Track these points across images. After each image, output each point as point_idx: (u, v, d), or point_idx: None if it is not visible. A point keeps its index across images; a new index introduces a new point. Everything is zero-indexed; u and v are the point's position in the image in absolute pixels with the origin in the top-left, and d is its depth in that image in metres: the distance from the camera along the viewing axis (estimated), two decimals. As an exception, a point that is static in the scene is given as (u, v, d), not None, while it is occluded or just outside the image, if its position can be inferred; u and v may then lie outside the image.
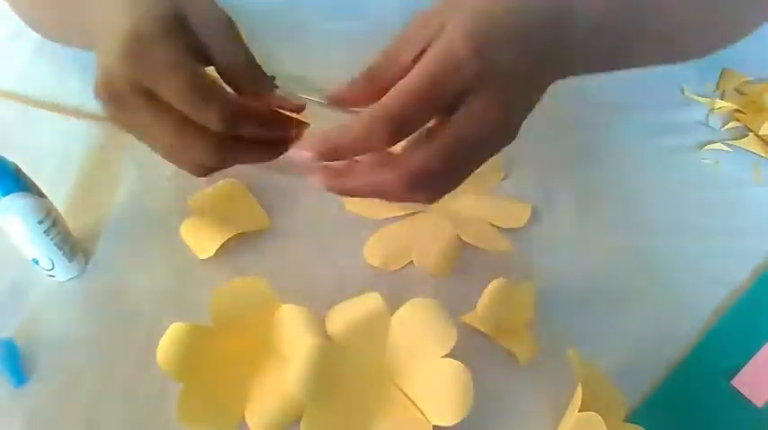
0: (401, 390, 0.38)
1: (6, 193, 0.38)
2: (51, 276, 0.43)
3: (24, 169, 0.39)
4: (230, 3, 0.59)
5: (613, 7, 0.40)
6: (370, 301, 0.39)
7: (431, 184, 0.35)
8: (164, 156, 0.37)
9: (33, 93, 0.54)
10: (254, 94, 0.37)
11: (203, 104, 0.33)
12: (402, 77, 0.34)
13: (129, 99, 0.34)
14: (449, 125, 0.33)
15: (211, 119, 0.33)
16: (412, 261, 0.45)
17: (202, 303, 0.39)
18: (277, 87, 0.38)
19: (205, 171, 0.37)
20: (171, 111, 0.34)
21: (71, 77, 0.54)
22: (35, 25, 0.54)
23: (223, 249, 0.45)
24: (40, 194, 0.40)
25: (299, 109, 0.37)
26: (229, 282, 0.39)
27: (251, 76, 0.37)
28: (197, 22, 0.36)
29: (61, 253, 0.42)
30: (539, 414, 0.39)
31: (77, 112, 0.52)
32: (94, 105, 0.54)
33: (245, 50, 0.37)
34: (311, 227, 0.47)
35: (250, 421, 0.38)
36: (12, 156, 0.38)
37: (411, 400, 0.38)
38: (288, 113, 0.37)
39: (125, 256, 0.45)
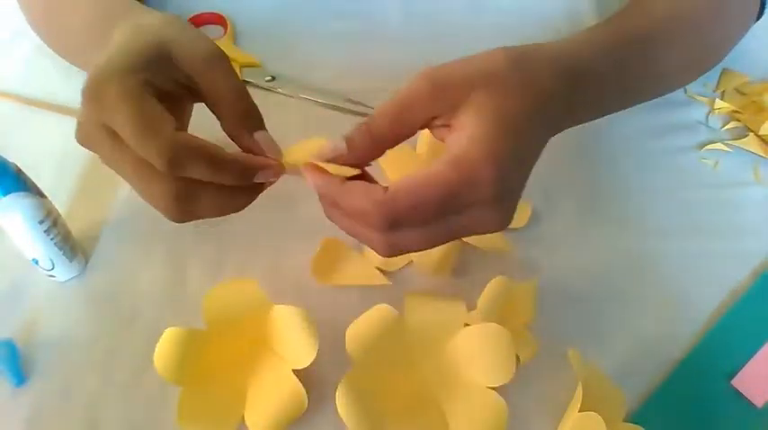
0: (440, 410, 0.39)
1: (7, 193, 0.38)
2: (51, 276, 0.43)
3: (24, 169, 0.39)
4: (231, 4, 0.59)
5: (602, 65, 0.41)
6: (385, 313, 0.39)
7: (407, 252, 0.34)
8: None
9: (33, 93, 0.54)
10: (240, 133, 0.35)
11: (143, 138, 0.31)
12: (405, 137, 0.34)
13: (96, 138, 0.33)
14: (448, 222, 0.33)
15: (152, 155, 0.31)
16: (412, 261, 0.45)
17: (202, 304, 0.39)
18: (265, 131, 0.35)
19: (180, 217, 0.34)
20: (128, 151, 0.32)
21: (71, 77, 0.54)
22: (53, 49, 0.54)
23: (221, 249, 0.45)
24: (41, 194, 0.40)
25: (277, 155, 0.35)
26: (220, 284, 0.39)
27: (239, 112, 0.35)
28: (181, 55, 0.34)
29: (61, 253, 0.42)
30: (539, 414, 0.40)
31: (77, 112, 0.52)
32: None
33: (235, 85, 0.35)
34: (311, 227, 0.47)
35: (249, 422, 0.38)
36: (12, 157, 0.38)
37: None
38: (261, 159, 0.35)
39: (125, 256, 0.45)
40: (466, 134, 0.33)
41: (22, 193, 0.38)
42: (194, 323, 0.39)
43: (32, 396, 0.39)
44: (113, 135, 0.32)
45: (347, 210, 0.33)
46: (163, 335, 0.37)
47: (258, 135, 0.35)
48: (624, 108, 0.46)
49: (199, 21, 0.58)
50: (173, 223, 0.46)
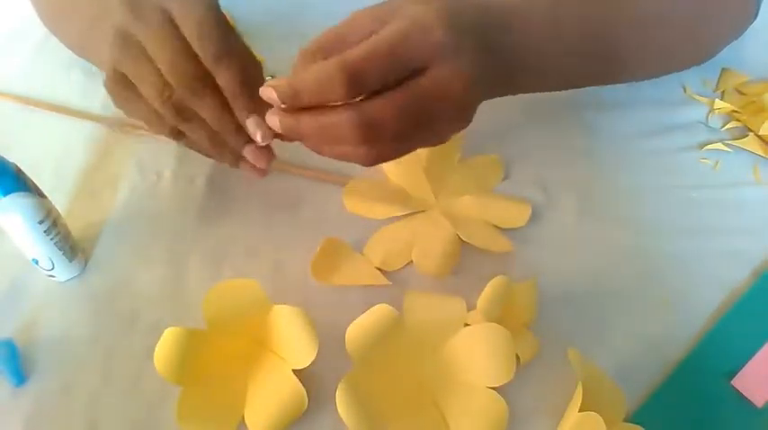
0: (440, 410, 0.39)
1: (7, 193, 0.38)
2: (51, 276, 0.43)
3: (24, 169, 0.39)
4: (231, 4, 0.59)
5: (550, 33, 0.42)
6: (385, 313, 0.39)
7: (378, 135, 0.35)
8: (143, 118, 0.39)
9: (33, 93, 0.54)
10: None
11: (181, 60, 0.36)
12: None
13: (130, 51, 0.36)
14: (410, 83, 0.34)
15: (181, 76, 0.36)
16: (412, 261, 0.45)
17: (202, 304, 0.39)
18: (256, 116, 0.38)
19: (172, 132, 0.39)
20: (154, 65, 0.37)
21: (71, 77, 0.54)
22: (58, 36, 0.54)
23: (221, 249, 0.45)
24: (41, 195, 0.40)
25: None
26: (220, 284, 0.39)
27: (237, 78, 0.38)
28: (180, 17, 0.36)
29: (61, 253, 0.42)
30: (539, 414, 0.40)
31: (77, 112, 0.52)
32: (95, 105, 0.54)
33: (231, 52, 0.38)
34: (311, 227, 0.47)
35: (249, 422, 0.38)
36: (12, 156, 0.38)
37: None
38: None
39: (125, 256, 0.45)
40: (406, 8, 0.35)
41: (22, 194, 0.38)
42: (194, 323, 0.39)
43: (32, 396, 0.39)
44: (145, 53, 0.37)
45: (310, 95, 0.34)
46: (163, 336, 0.37)
47: (249, 121, 0.38)
48: (570, 81, 0.47)
49: (199, 21, 0.58)
50: (172, 223, 0.46)
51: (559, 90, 0.47)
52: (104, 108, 0.52)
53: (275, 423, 0.37)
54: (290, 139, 0.38)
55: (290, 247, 0.45)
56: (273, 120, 0.36)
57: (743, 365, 0.42)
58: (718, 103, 0.56)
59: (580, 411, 0.36)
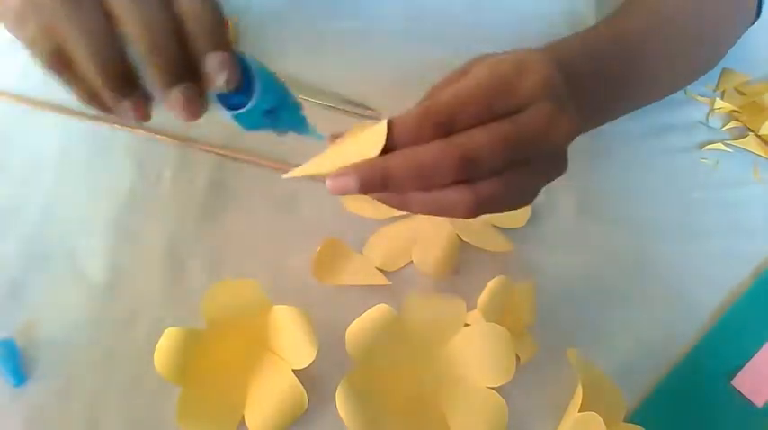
0: (440, 410, 0.39)
1: None
2: None
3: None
4: (231, 4, 0.59)
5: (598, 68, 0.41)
6: (385, 313, 0.39)
7: (477, 167, 0.30)
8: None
9: (33, 93, 0.53)
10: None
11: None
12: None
13: None
14: (511, 117, 0.30)
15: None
16: (412, 261, 0.45)
17: (202, 304, 0.39)
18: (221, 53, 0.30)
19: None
20: None
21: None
22: None
23: (221, 249, 0.45)
24: None
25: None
26: (220, 284, 0.39)
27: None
28: None
29: None
30: (539, 414, 0.40)
31: (77, 112, 0.52)
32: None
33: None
34: (311, 227, 0.47)
35: (249, 422, 0.38)
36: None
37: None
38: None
39: (125, 256, 0.45)
40: (496, 59, 0.32)
41: None
42: (194, 323, 0.39)
43: (32, 396, 0.39)
44: None
45: (398, 167, 0.29)
46: (163, 335, 0.37)
47: (209, 56, 0.30)
48: (611, 117, 0.46)
49: (199, 21, 0.58)
50: (172, 223, 0.46)
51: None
52: (104, 108, 0.52)
53: (275, 423, 0.37)
54: (366, 192, 0.31)
55: (290, 247, 0.45)
56: (340, 182, 0.30)
57: (743, 365, 0.42)
58: (719, 103, 0.56)
59: (580, 411, 0.36)
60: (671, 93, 0.53)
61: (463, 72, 0.34)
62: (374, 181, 0.30)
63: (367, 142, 0.30)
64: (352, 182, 0.30)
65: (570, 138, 0.33)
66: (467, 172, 0.30)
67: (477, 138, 0.30)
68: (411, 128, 0.29)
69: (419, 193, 0.31)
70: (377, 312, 0.38)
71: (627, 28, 0.45)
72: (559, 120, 0.31)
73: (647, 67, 0.45)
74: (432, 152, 0.29)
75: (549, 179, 0.34)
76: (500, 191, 0.31)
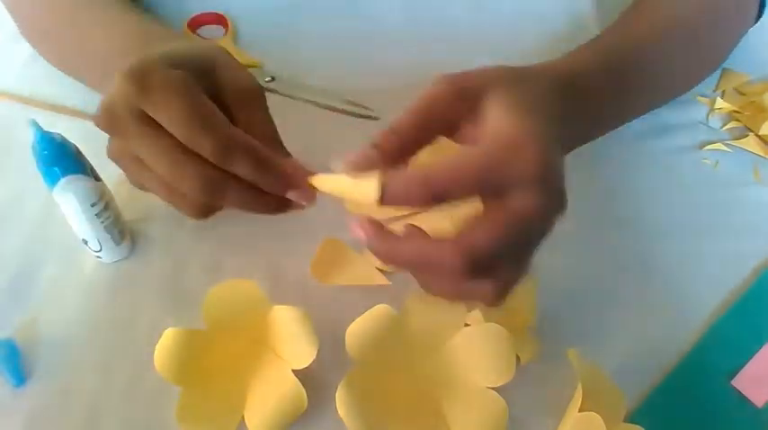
0: (440, 410, 0.39)
1: (65, 174, 0.39)
2: (98, 257, 0.44)
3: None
4: (232, 4, 0.59)
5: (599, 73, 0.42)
6: (385, 313, 0.39)
7: (492, 265, 0.32)
8: (161, 195, 0.36)
9: (33, 93, 0.54)
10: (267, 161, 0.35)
11: (199, 129, 0.33)
12: (428, 141, 0.34)
13: (127, 124, 0.34)
14: (505, 204, 0.31)
15: (206, 145, 0.33)
16: (412, 261, 0.45)
17: (202, 304, 0.39)
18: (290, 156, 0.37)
19: (201, 211, 0.36)
20: (166, 137, 0.33)
21: (71, 78, 0.54)
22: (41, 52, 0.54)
23: (221, 249, 0.45)
24: (96, 178, 0.41)
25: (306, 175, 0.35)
26: (220, 284, 0.39)
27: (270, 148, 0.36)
28: (225, 77, 0.36)
29: (109, 236, 0.43)
30: (539, 414, 0.39)
31: (77, 112, 0.52)
32: (94, 105, 0.54)
33: (270, 123, 0.37)
34: (311, 227, 0.47)
35: (249, 422, 0.38)
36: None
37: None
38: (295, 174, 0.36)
39: (125, 256, 0.45)
40: (496, 122, 0.33)
41: (79, 176, 0.39)
42: (194, 323, 0.39)
43: (32, 396, 0.39)
44: (146, 121, 0.33)
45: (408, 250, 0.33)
46: (163, 336, 0.37)
47: (287, 161, 0.36)
48: (623, 122, 0.47)
49: (200, 21, 0.58)
50: (173, 224, 0.46)
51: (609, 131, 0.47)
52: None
53: (275, 423, 0.37)
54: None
55: (290, 247, 0.45)
56: (358, 233, 0.33)
57: (743, 365, 0.42)
58: (719, 103, 0.56)
59: (580, 411, 0.36)
60: (677, 96, 0.54)
61: (464, 98, 0.34)
62: (380, 254, 0.33)
63: (361, 191, 0.32)
64: (364, 240, 0.33)
65: (561, 218, 0.34)
66: (472, 274, 0.32)
67: (480, 234, 0.31)
68: (401, 193, 0.31)
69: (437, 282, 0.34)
70: (377, 312, 0.38)
71: (635, 36, 0.45)
72: (553, 213, 0.33)
73: (656, 75, 0.45)
74: (440, 252, 0.31)
75: (547, 232, 0.35)
76: (510, 277, 0.34)
